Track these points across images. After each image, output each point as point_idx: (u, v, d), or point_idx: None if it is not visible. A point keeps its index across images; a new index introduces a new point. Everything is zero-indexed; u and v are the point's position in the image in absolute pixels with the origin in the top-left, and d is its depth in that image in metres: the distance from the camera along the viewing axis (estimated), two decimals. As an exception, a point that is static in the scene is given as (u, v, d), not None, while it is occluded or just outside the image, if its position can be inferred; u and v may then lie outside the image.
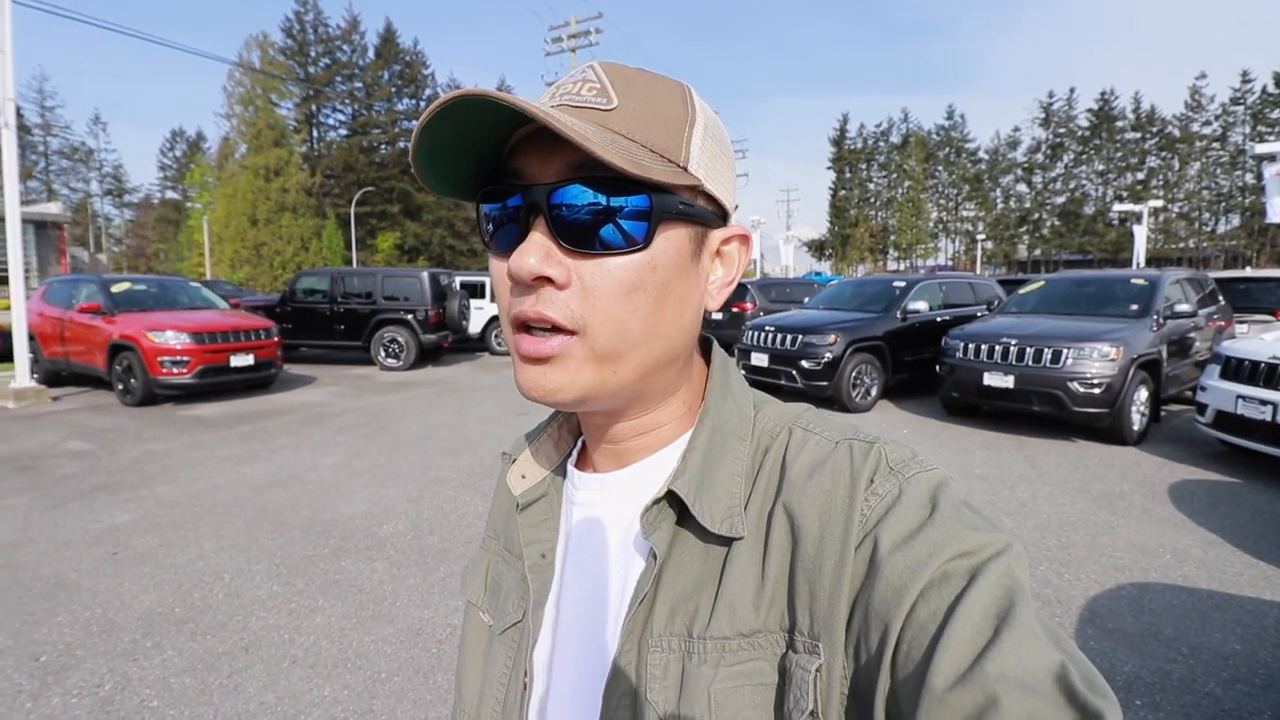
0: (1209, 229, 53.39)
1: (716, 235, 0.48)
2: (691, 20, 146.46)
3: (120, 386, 7.87)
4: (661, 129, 0.43)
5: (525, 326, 0.43)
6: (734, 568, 0.44)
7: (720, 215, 0.48)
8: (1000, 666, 0.31)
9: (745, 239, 0.50)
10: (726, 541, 0.45)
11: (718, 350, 0.54)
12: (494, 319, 14.04)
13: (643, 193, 0.41)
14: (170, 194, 57.36)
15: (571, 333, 0.42)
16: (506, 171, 0.44)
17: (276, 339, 8.79)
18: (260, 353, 8.44)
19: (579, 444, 0.58)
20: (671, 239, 0.43)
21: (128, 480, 4.91)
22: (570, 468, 0.56)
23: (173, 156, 59.19)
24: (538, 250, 0.41)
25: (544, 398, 0.43)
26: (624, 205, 0.41)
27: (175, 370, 7.62)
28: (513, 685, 0.53)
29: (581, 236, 0.41)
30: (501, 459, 0.62)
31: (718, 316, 12.68)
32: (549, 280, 0.41)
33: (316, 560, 3.52)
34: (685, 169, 0.43)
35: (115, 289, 8.48)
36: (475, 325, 13.73)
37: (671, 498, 0.46)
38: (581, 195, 0.41)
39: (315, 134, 45.23)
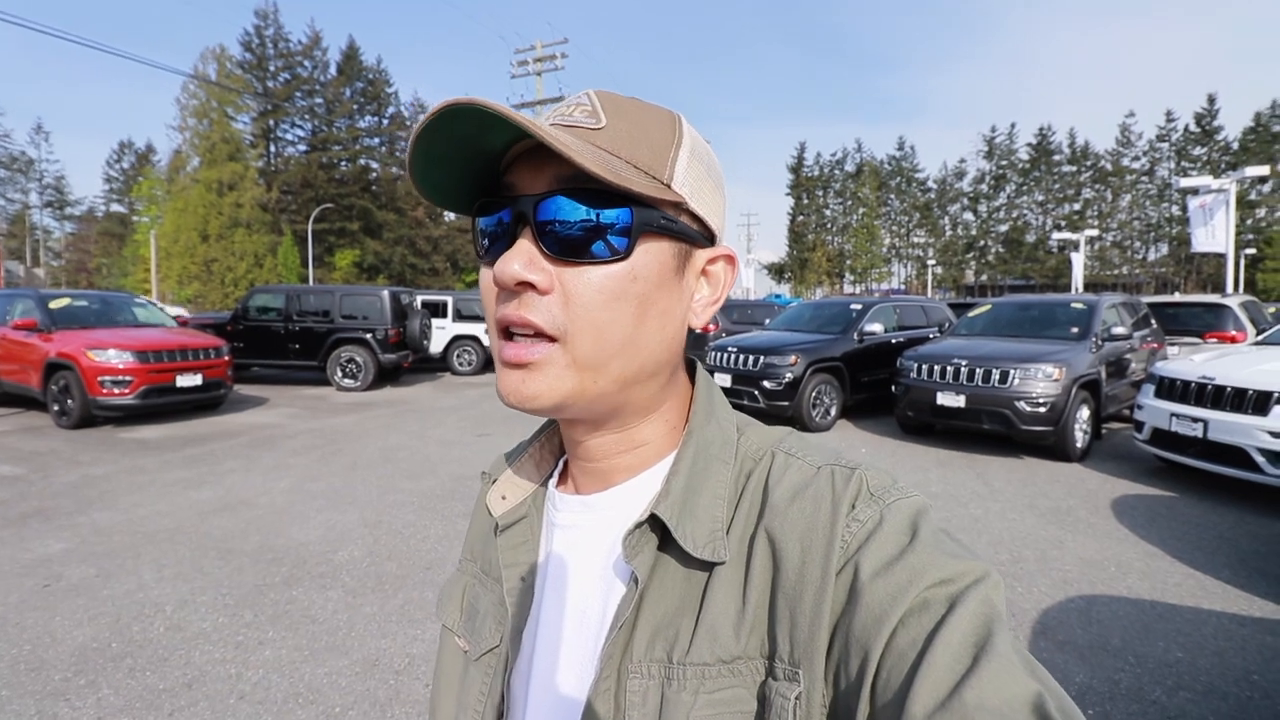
0: (1140, 257, 56.67)
1: (702, 255, 0.49)
2: (657, 48, 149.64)
3: (56, 407, 7.46)
4: (647, 148, 0.44)
5: (508, 333, 0.44)
6: (715, 593, 0.43)
7: (707, 236, 0.49)
8: (979, 695, 0.31)
9: (731, 259, 0.50)
10: (708, 566, 0.44)
11: (702, 372, 0.54)
12: (456, 339, 13.85)
13: (625, 206, 0.42)
14: (116, 207, 55.16)
15: (553, 339, 0.43)
16: (502, 186, 0.46)
17: (227, 358, 8.48)
18: (209, 372, 8.12)
19: (560, 464, 0.58)
20: (653, 252, 0.44)
21: (62, 507, 4.64)
22: (551, 488, 0.56)
23: (119, 168, 57.06)
24: (522, 257, 0.42)
25: (522, 404, 0.43)
26: (607, 217, 0.42)
27: (116, 391, 7.26)
28: (488, 712, 0.52)
29: (565, 246, 0.42)
30: (481, 479, 0.62)
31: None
32: (532, 286, 0.42)
33: (266, 589, 3.37)
34: (669, 186, 0.44)
35: (53, 305, 8.06)
36: (437, 345, 13.51)
37: (654, 521, 0.46)
38: (566, 206, 0.42)
39: (273, 149, 44.20)
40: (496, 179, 0.46)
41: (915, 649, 0.34)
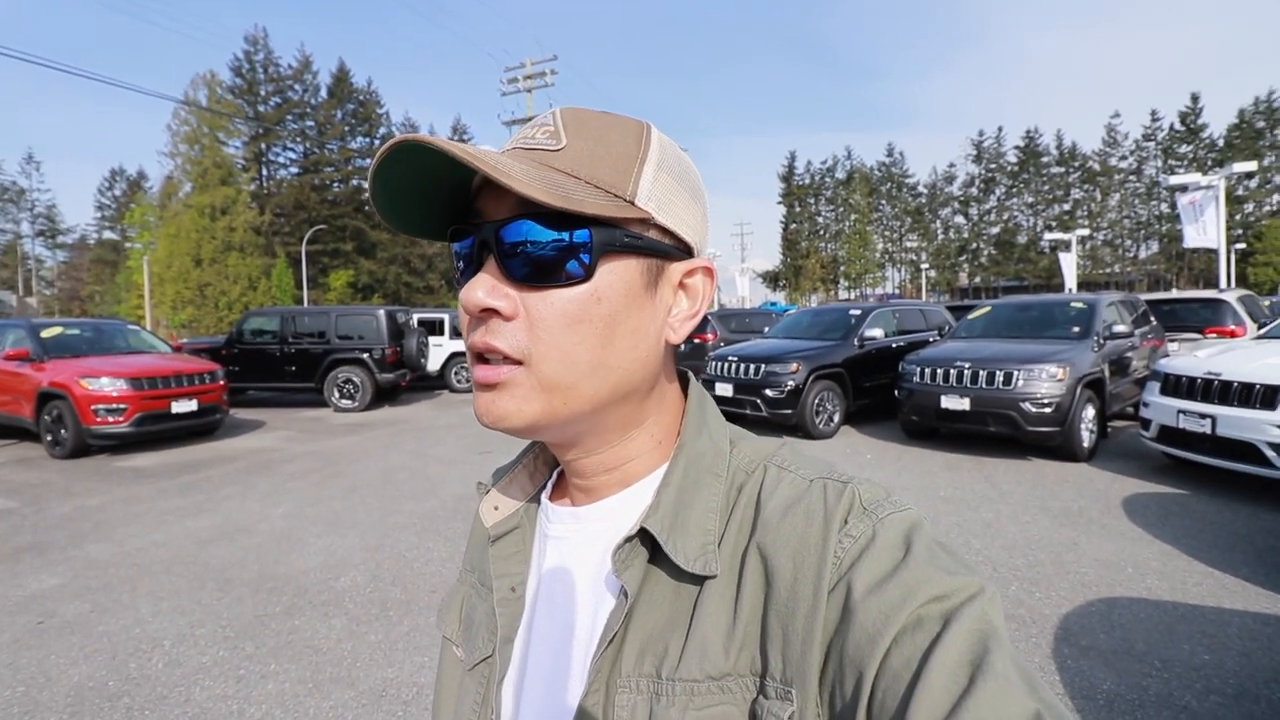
0: (1131, 255, 57.05)
1: (677, 268, 0.48)
2: (646, 62, 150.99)
3: (49, 438, 7.35)
4: (609, 166, 0.44)
5: (482, 356, 0.45)
6: (705, 608, 0.43)
7: (682, 248, 0.48)
8: (975, 718, 0.30)
9: (709, 271, 0.50)
10: (699, 580, 0.44)
11: (695, 385, 0.54)
12: (454, 356, 13.80)
13: (584, 227, 0.42)
14: (108, 234, 55.24)
15: (519, 362, 0.43)
16: (471, 212, 0.46)
17: (222, 382, 8.40)
18: (204, 397, 8.03)
19: (554, 475, 0.59)
20: (618, 271, 0.44)
21: (55, 540, 4.54)
22: (544, 500, 0.56)
23: (111, 196, 57.22)
24: (485, 284, 0.43)
25: (495, 423, 0.44)
26: (566, 239, 0.42)
27: (111, 419, 7.18)
28: None
29: (527, 270, 0.43)
30: (477, 489, 0.62)
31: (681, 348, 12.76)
32: (496, 313, 0.43)
33: (267, 620, 3.28)
34: (632, 203, 0.44)
35: (45, 334, 7.98)
36: (434, 363, 13.44)
37: (644, 535, 0.45)
38: (526, 231, 0.42)
39: (265, 172, 44.25)
40: (469, 204, 0.47)
41: (910, 669, 0.34)
